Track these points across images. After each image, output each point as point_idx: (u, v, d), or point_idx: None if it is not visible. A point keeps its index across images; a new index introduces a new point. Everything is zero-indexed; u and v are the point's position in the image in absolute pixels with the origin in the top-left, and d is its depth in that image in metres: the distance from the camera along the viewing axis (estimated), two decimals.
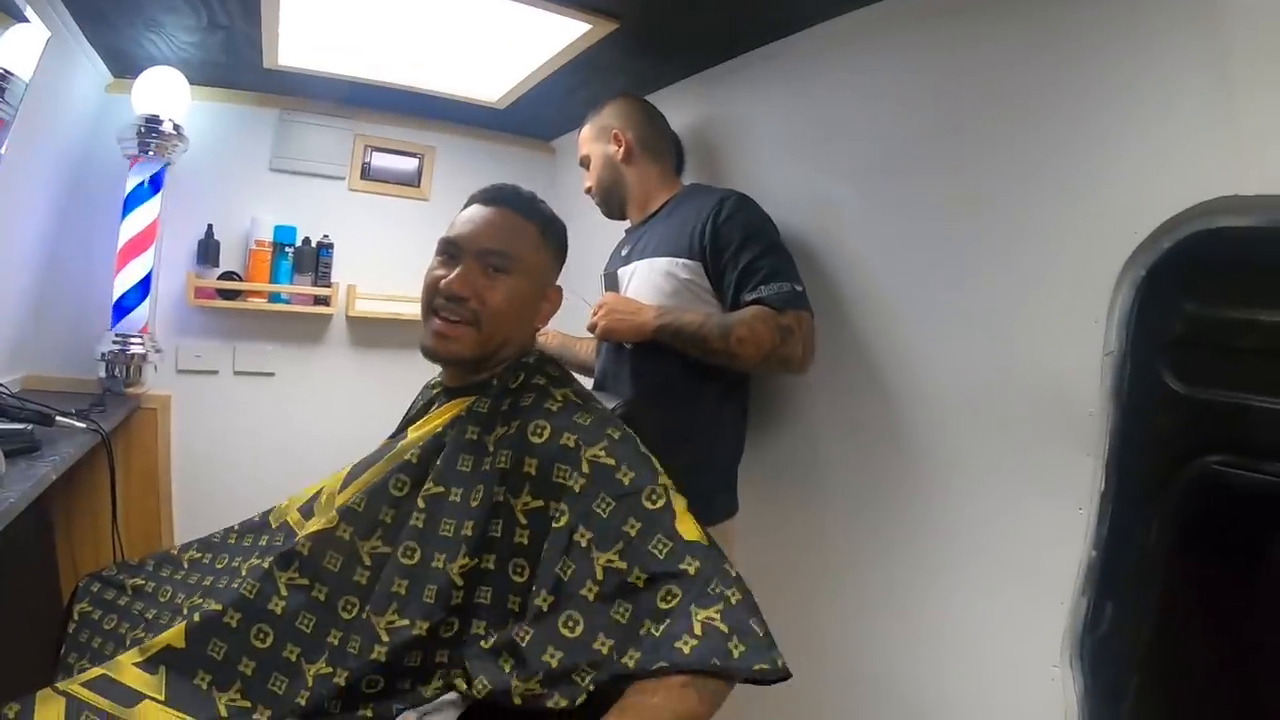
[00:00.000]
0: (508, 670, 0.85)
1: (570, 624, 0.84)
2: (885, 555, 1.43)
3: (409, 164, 2.63)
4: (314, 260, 2.44)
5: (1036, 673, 1.13)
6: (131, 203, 2.02)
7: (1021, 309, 1.18)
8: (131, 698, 0.85)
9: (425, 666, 0.90)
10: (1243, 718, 1.02)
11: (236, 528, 1.15)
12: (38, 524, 1.81)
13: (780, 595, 1.70)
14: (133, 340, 2.02)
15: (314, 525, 1.01)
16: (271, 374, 2.49)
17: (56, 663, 0.99)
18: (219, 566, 1.10)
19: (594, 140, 1.72)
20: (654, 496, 0.90)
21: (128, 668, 0.88)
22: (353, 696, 0.88)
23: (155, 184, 2.04)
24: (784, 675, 0.80)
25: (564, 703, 0.81)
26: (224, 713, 0.86)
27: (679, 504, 0.91)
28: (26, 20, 1.38)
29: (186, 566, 1.11)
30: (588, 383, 1.52)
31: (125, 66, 2.02)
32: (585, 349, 1.81)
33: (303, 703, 0.86)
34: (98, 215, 2.09)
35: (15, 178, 1.69)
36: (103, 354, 2.00)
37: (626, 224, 1.77)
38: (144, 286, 2.04)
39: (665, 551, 0.85)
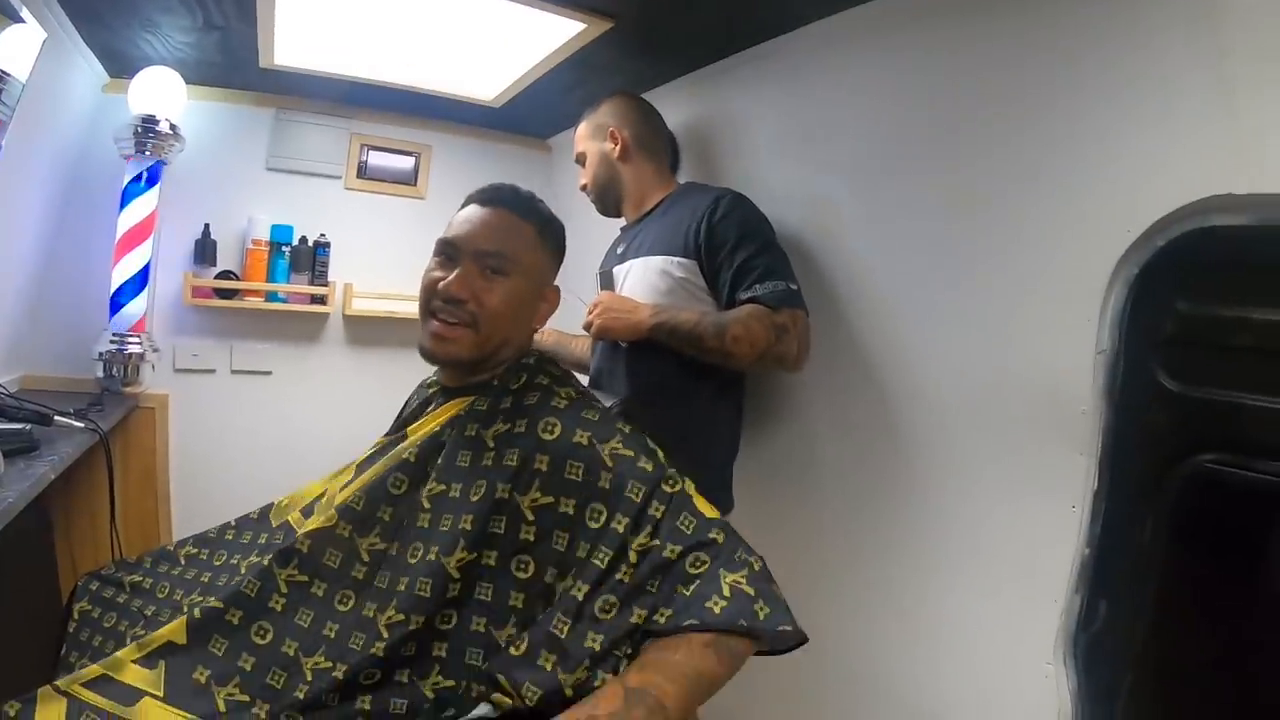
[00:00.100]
0: (550, 668, 0.86)
1: (607, 607, 0.87)
2: (881, 554, 1.43)
3: (405, 163, 2.63)
4: (311, 259, 2.44)
5: (1031, 671, 1.13)
6: (129, 195, 2.03)
7: (1015, 308, 1.19)
8: (131, 696, 0.85)
9: (422, 659, 0.91)
10: (1237, 716, 1.02)
11: (234, 524, 1.16)
12: (37, 523, 1.81)
13: None
14: (130, 340, 2.03)
15: (313, 523, 1.01)
16: (269, 373, 2.49)
17: (57, 662, 0.99)
18: (217, 563, 1.10)
19: (590, 138, 1.72)
20: (671, 482, 0.94)
21: (127, 664, 0.88)
22: (350, 688, 0.88)
23: (152, 177, 2.04)
24: (802, 639, 0.87)
25: (609, 676, 0.84)
26: (222, 707, 0.86)
27: (690, 487, 0.96)
28: (22, 21, 1.38)
29: (184, 563, 1.12)
30: (583, 380, 1.52)
31: (121, 67, 2.02)
32: (580, 346, 1.82)
33: (301, 696, 0.87)
34: (94, 215, 2.10)
35: (12, 178, 1.70)
36: (100, 353, 2.00)
37: (622, 222, 1.77)
38: (142, 278, 2.04)
39: (692, 527, 0.90)
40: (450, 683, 0.90)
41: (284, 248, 2.40)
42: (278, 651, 0.91)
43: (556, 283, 1.15)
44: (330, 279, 2.47)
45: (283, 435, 2.48)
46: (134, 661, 0.88)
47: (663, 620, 0.85)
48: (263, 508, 1.16)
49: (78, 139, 2.07)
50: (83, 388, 2.02)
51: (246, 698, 0.87)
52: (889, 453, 1.41)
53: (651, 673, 0.81)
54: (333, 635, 0.92)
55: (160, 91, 2.00)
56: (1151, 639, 1.06)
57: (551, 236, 1.12)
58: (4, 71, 1.35)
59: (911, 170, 1.37)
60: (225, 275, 2.34)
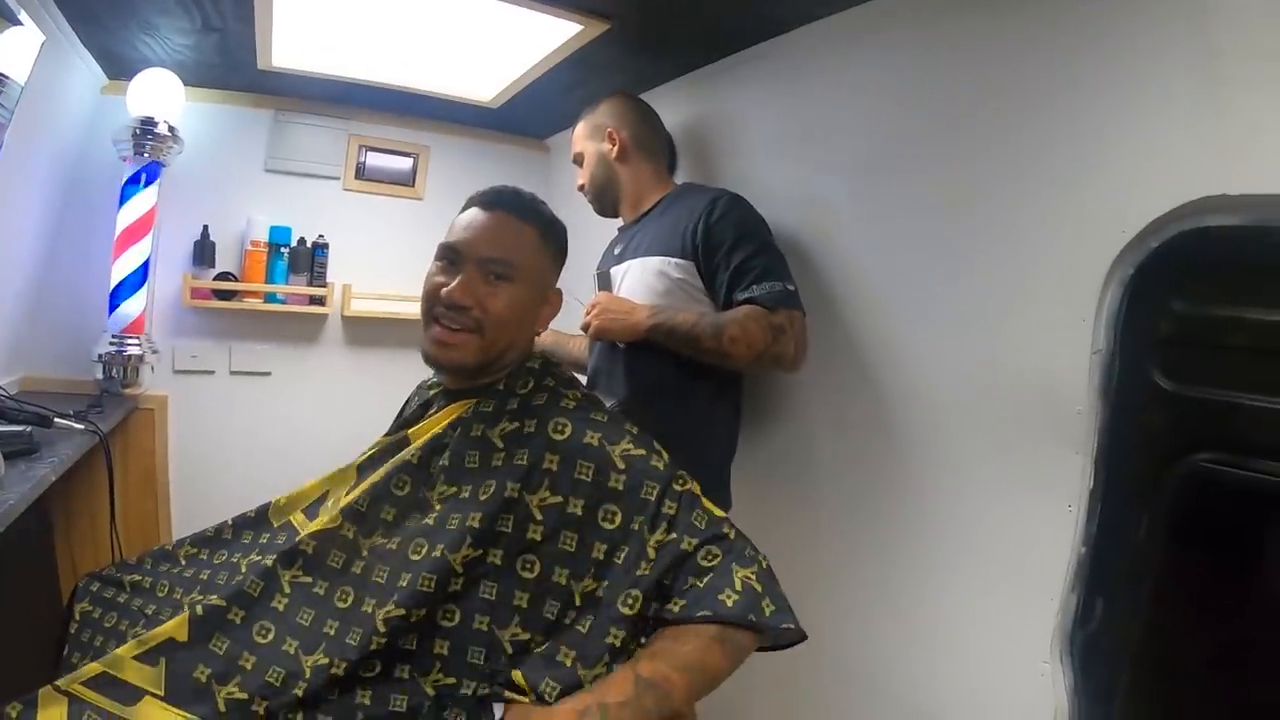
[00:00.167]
0: (570, 664, 0.88)
1: (630, 601, 0.89)
2: (878, 553, 1.44)
3: (403, 163, 2.63)
4: (309, 260, 2.45)
5: (1028, 669, 1.14)
6: (128, 192, 2.03)
7: (1012, 308, 1.19)
8: (132, 695, 0.85)
9: (422, 655, 0.91)
10: (1234, 714, 1.02)
11: (232, 523, 1.16)
12: (38, 525, 1.81)
13: None
14: (129, 341, 2.03)
15: (317, 524, 1.02)
16: (268, 374, 2.49)
17: (59, 663, 0.99)
18: (217, 562, 1.10)
19: (588, 138, 1.72)
20: (681, 480, 0.97)
21: (128, 662, 0.88)
22: (349, 682, 0.88)
23: (151, 177, 2.05)
24: (802, 636, 0.91)
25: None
26: (222, 708, 0.87)
27: (697, 487, 0.98)
28: (20, 23, 1.38)
29: (184, 562, 1.12)
30: (581, 380, 1.53)
31: (120, 69, 2.02)
32: (578, 346, 1.82)
33: (300, 694, 0.87)
34: (93, 216, 2.10)
35: (11, 180, 1.70)
36: (100, 355, 2.01)
37: (619, 222, 1.77)
38: (141, 274, 2.05)
39: (705, 522, 0.94)
40: (451, 680, 0.90)
41: (282, 249, 2.40)
42: (278, 650, 0.91)
43: (559, 286, 1.15)
44: (329, 280, 2.47)
45: (282, 436, 2.48)
46: (134, 658, 0.88)
47: (676, 609, 0.88)
48: (260, 507, 1.16)
49: (76, 141, 2.07)
50: (82, 389, 2.02)
51: (245, 696, 0.87)
52: (886, 452, 1.41)
53: (662, 662, 0.85)
54: (332, 632, 0.92)
55: (159, 93, 2.00)
56: (1148, 638, 1.06)
57: (554, 239, 1.12)
58: (3, 74, 1.35)
59: (909, 170, 1.38)
60: (224, 276, 2.34)
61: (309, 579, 0.97)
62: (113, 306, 2.03)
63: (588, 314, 1.53)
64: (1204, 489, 1.00)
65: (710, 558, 0.90)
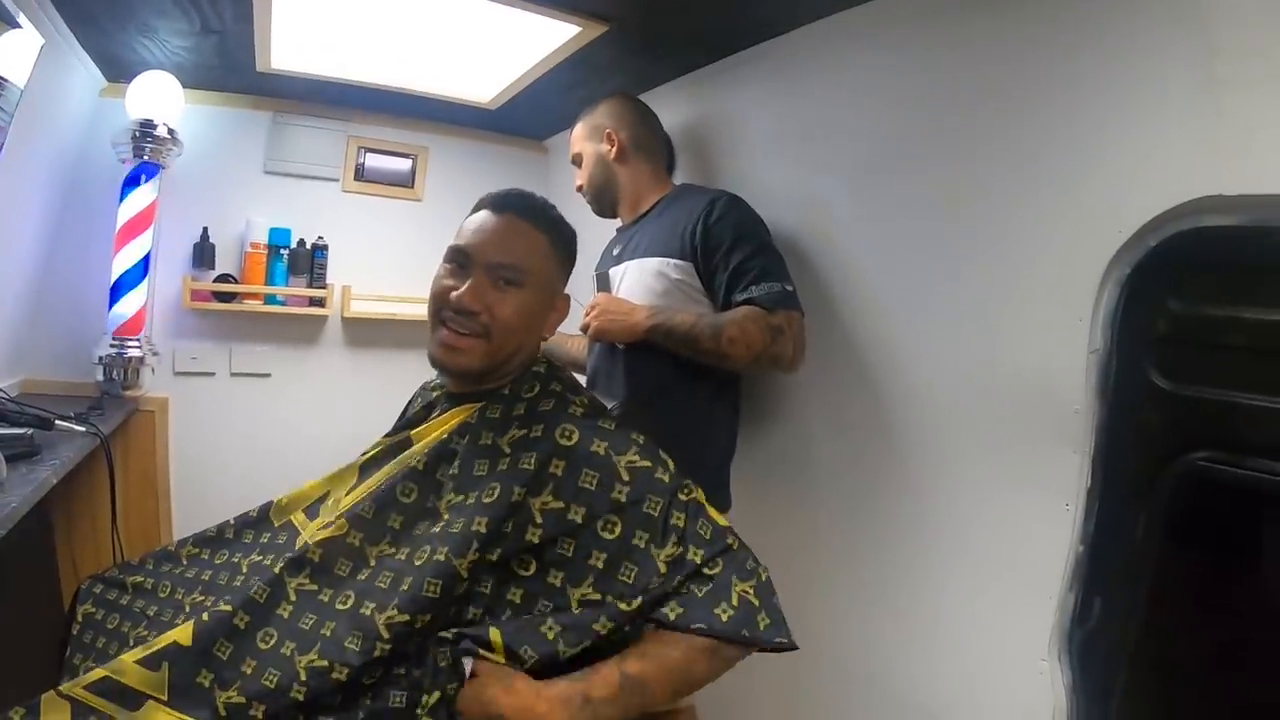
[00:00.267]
0: (552, 638, 0.89)
1: (631, 602, 0.90)
2: (876, 553, 1.44)
3: (402, 165, 2.63)
4: (309, 262, 2.44)
5: (1026, 667, 1.14)
6: (128, 187, 2.03)
7: (1010, 307, 1.19)
8: (135, 700, 0.85)
9: (422, 655, 0.91)
10: (1231, 712, 1.03)
11: (233, 522, 1.15)
12: (39, 527, 1.82)
13: None
14: (130, 343, 2.03)
15: (324, 532, 1.01)
16: (268, 375, 2.49)
17: (61, 665, 0.99)
18: (218, 562, 1.10)
19: (586, 139, 1.73)
20: (686, 490, 0.97)
21: (130, 666, 0.88)
22: (353, 689, 0.88)
23: (151, 172, 2.05)
24: (793, 647, 0.91)
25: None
26: (223, 712, 0.87)
27: (702, 495, 0.99)
28: (19, 26, 1.38)
29: (185, 562, 1.12)
30: (580, 380, 1.53)
31: (119, 71, 2.02)
32: (576, 346, 1.82)
33: (300, 698, 0.87)
34: (93, 219, 2.10)
35: (11, 183, 1.70)
36: (100, 357, 2.01)
37: (617, 223, 1.77)
38: (143, 267, 2.05)
39: (710, 533, 0.94)
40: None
41: (282, 250, 2.40)
42: (276, 654, 0.91)
43: (567, 291, 1.15)
44: (328, 281, 2.47)
45: (282, 437, 2.48)
46: (137, 663, 0.88)
47: (673, 616, 0.89)
48: (261, 507, 1.16)
49: (76, 143, 2.07)
50: (83, 391, 2.03)
51: (243, 700, 0.87)
52: (884, 452, 1.42)
53: (649, 664, 0.88)
54: (329, 634, 0.91)
55: (157, 96, 2.00)
56: (1145, 636, 1.07)
57: (563, 245, 1.11)
58: (2, 77, 1.35)
59: (907, 171, 1.38)
60: (224, 278, 2.34)
61: (314, 586, 0.97)
62: (113, 301, 2.03)
63: (587, 315, 1.53)
64: (1201, 488, 1.00)
65: (713, 566, 0.92)
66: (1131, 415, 1.07)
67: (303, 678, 0.88)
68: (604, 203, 1.74)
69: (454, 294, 1.02)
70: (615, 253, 1.68)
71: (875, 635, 1.44)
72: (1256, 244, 0.93)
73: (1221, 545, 1.05)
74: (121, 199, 2.03)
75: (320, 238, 2.46)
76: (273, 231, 2.39)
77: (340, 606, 0.94)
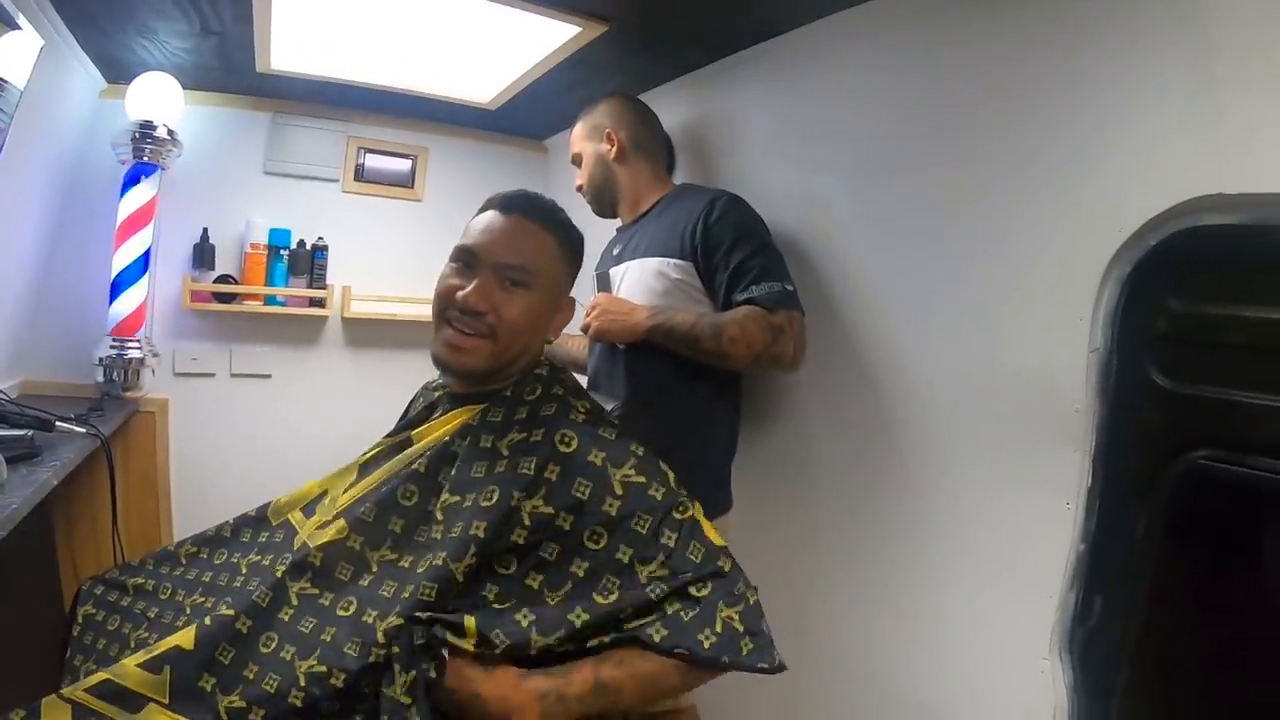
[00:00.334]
0: (525, 625, 0.88)
1: (610, 604, 0.90)
2: (877, 552, 1.44)
3: (402, 165, 2.63)
4: (309, 262, 2.45)
5: (1027, 666, 1.14)
6: (129, 183, 2.03)
7: (1010, 307, 1.19)
8: (136, 703, 0.85)
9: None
10: (1232, 711, 1.03)
11: (232, 522, 1.15)
12: (39, 528, 1.82)
13: (774, 592, 1.70)
14: (130, 344, 2.03)
15: (324, 533, 1.01)
16: (268, 376, 2.50)
17: (62, 666, 0.99)
18: (217, 562, 1.10)
19: (586, 139, 1.73)
20: (682, 508, 0.96)
21: (131, 669, 0.88)
22: (350, 695, 0.88)
23: (150, 170, 2.05)
24: (777, 670, 0.91)
25: (570, 647, 0.89)
26: (224, 716, 0.86)
27: (699, 512, 0.97)
28: (19, 28, 1.38)
29: (185, 562, 1.11)
30: (581, 380, 1.53)
31: (118, 72, 2.02)
32: (576, 346, 1.83)
33: (298, 703, 0.86)
34: (93, 220, 2.10)
35: (11, 184, 1.70)
36: (100, 358, 2.01)
37: (618, 223, 1.77)
38: (143, 263, 2.05)
39: (701, 556, 0.94)
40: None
41: (282, 251, 2.40)
42: (277, 658, 0.91)
43: (572, 294, 1.15)
44: (328, 282, 2.47)
45: (283, 438, 2.48)
46: (138, 666, 0.88)
47: (657, 639, 0.88)
48: (260, 507, 1.16)
49: (75, 145, 2.07)
50: (83, 393, 2.03)
51: (244, 704, 0.87)
52: (884, 451, 1.42)
53: (624, 671, 0.89)
54: (328, 639, 0.91)
55: (157, 97, 2.01)
56: (1146, 635, 1.06)
57: (571, 248, 1.11)
58: (2, 79, 1.35)
59: (907, 170, 1.38)
60: (224, 279, 2.34)
61: (315, 590, 0.96)
62: (113, 297, 2.03)
63: (587, 315, 1.53)
64: (1201, 486, 1.00)
65: (701, 588, 0.91)
66: (1132, 414, 1.07)
67: (301, 683, 0.87)
68: (604, 202, 1.74)
69: (460, 293, 1.01)
70: (615, 252, 1.68)
71: (876, 634, 1.44)
72: (1256, 242, 0.93)
73: (1222, 544, 1.05)
74: (122, 194, 2.03)
75: (320, 238, 2.46)
76: (273, 232, 2.40)
77: (342, 613, 0.94)
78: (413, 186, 2.66)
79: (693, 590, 0.91)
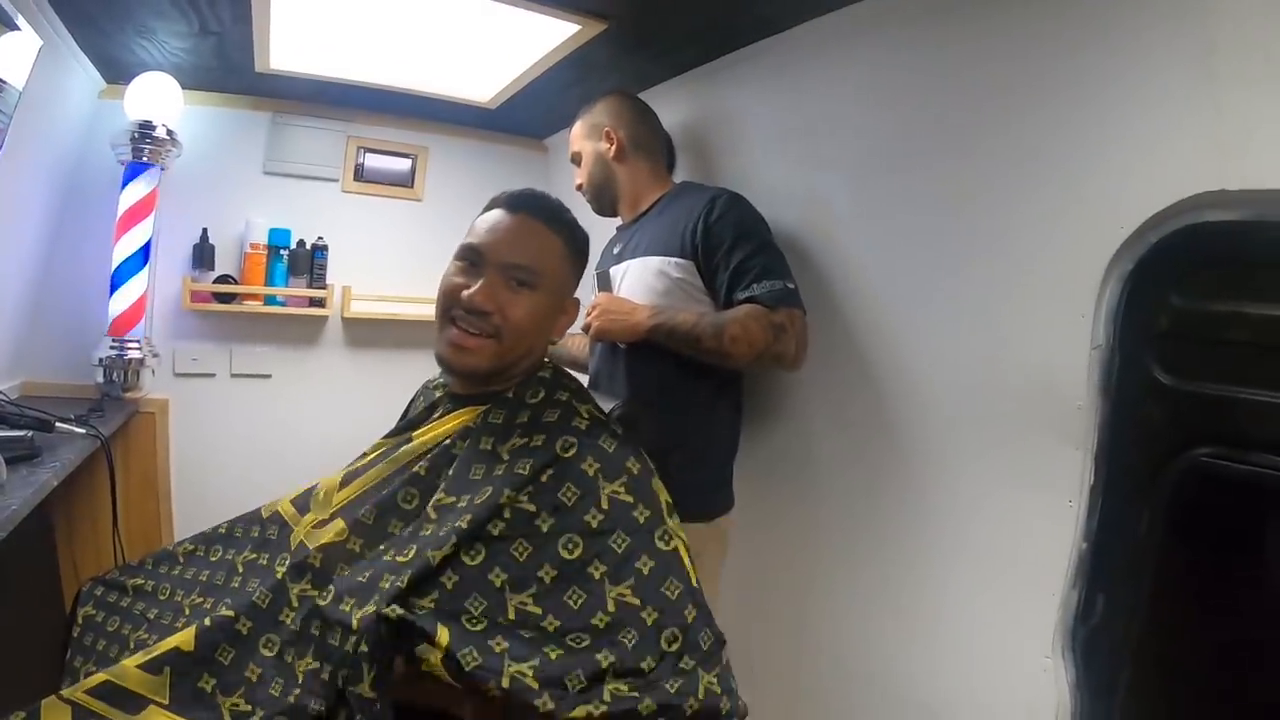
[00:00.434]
0: (499, 652, 0.82)
1: (577, 640, 0.84)
2: (879, 550, 1.44)
3: (402, 165, 2.63)
4: (309, 262, 2.45)
5: (1029, 664, 1.14)
6: (129, 176, 2.03)
7: (1011, 304, 1.19)
8: (136, 704, 0.85)
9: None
10: (1234, 709, 1.03)
11: (230, 521, 1.15)
12: (39, 529, 1.82)
13: (775, 591, 1.72)
14: (130, 345, 2.03)
15: (323, 534, 1.00)
16: (268, 376, 2.50)
17: (62, 667, 0.99)
18: (214, 560, 1.10)
19: (586, 137, 1.72)
20: (666, 538, 0.91)
21: (131, 670, 0.88)
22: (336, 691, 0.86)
23: (149, 167, 2.05)
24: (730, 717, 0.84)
25: (550, 705, 0.78)
26: (228, 718, 0.86)
27: (683, 546, 0.93)
28: (18, 29, 1.38)
29: (183, 562, 1.11)
30: (581, 380, 1.53)
31: (118, 73, 2.02)
32: (577, 345, 1.82)
33: (292, 700, 0.86)
34: (93, 221, 2.10)
35: (10, 185, 1.70)
36: (100, 359, 2.01)
37: (618, 222, 1.77)
38: (143, 255, 2.05)
39: (676, 594, 0.88)
40: None
41: (282, 251, 2.40)
42: (281, 661, 0.91)
43: (576, 295, 1.14)
44: (328, 282, 2.47)
45: (283, 438, 2.48)
46: (139, 667, 0.88)
47: (644, 713, 0.80)
48: (259, 507, 1.16)
49: (75, 146, 2.07)
50: (83, 393, 2.03)
51: (249, 707, 0.87)
52: (886, 449, 1.42)
53: None
54: (317, 633, 0.90)
55: (157, 97, 2.01)
56: (1148, 632, 1.06)
57: (576, 248, 1.10)
58: (1, 79, 1.35)
59: (908, 168, 1.38)
60: (224, 279, 2.34)
61: (315, 591, 0.96)
62: (113, 289, 2.03)
63: (588, 315, 1.53)
64: (1204, 483, 1.00)
65: (687, 663, 0.84)
66: (1134, 411, 1.06)
67: (300, 682, 0.87)
68: (604, 201, 1.74)
69: (465, 293, 1.00)
70: (616, 251, 1.67)
71: (876, 633, 1.44)
72: (1257, 239, 0.93)
73: (1224, 541, 1.04)
74: (122, 188, 2.03)
75: (320, 238, 2.46)
76: (272, 232, 2.40)
77: (343, 610, 0.93)
78: (413, 186, 2.65)
79: (683, 663, 0.84)
